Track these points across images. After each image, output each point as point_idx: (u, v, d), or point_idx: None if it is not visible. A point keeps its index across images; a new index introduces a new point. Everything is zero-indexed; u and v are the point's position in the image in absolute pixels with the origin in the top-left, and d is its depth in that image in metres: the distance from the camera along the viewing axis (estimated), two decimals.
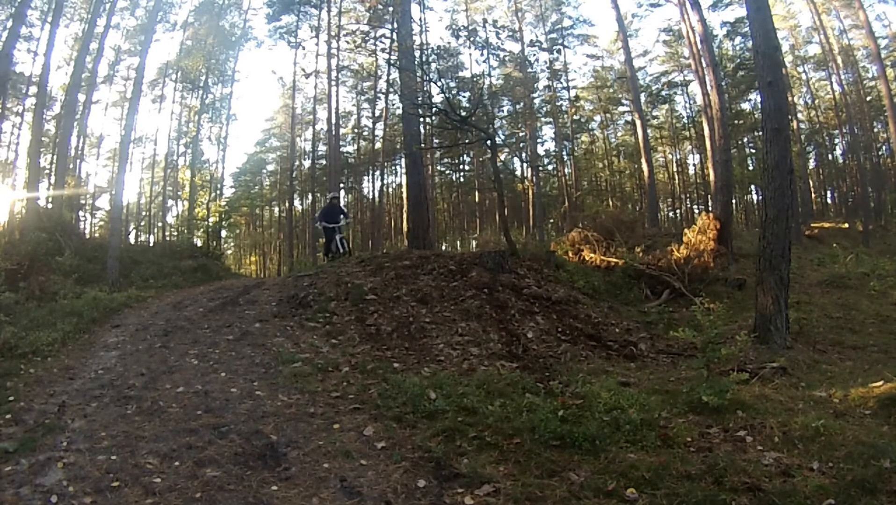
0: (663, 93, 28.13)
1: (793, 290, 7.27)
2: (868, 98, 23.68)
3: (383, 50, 20.68)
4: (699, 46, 15.56)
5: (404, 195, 15.71)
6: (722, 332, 4.90)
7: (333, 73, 22.93)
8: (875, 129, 24.56)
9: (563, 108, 28.16)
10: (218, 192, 23.49)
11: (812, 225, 20.06)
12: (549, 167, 29.65)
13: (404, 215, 14.57)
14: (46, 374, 4.83)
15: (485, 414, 3.71)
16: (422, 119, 12.92)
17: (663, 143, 30.19)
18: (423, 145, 14.75)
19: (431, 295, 7.01)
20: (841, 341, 6.43)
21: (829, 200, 28.79)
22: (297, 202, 29.36)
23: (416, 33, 19.53)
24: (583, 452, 3.17)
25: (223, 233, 23.68)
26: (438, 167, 30.28)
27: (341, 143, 26.77)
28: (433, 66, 15.24)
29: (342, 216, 11.69)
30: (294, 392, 4.29)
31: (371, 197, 28.67)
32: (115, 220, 13.31)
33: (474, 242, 23.47)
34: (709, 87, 14.93)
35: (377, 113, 26.70)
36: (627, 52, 22.15)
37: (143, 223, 25.51)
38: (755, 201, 27.25)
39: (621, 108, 29.21)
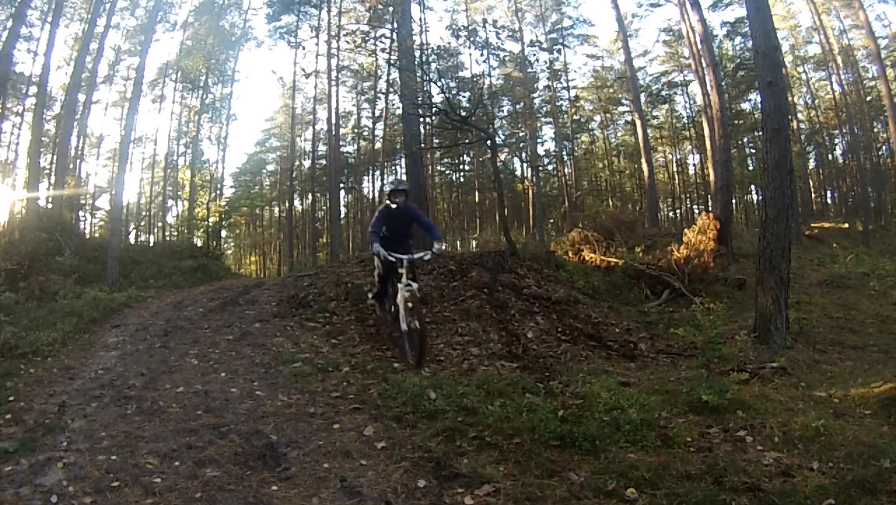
0: (663, 93, 28.13)
1: (793, 290, 7.27)
2: (868, 98, 23.68)
3: (383, 50, 20.70)
4: (699, 46, 15.57)
5: None
6: (722, 332, 4.90)
7: (333, 73, 22.93)
8: (875, 129, 24.56)
9: (563, 108, 28.15)
10: (218, 192, 23.51)
11: (812, 225, 20.07)
12: (549, 167, 29.65)
13: None
14: (46, 374, 4.83)
15: (485, 414, 3.71)
16: (422, 119, 12.92)
17: (663, 143, 30.18)
18: (423, 145, 14.75)
19: (431, 295, 7.01)
20: (841, 341, 6.43)
21: (829, 200, 28.79)
22: (297, 202, 29.37)
23: (416, 33, 19.55)
24: (583, 452, 3.17)
25: (223, 233, 23.71)
26: (438, 167, 30.27)
27: (341, 143, 26.76)
28: (433, 66, 15.24)
29: (434, 239, 5.55)
30: (294, 392, 4.29)
31: (371, 197, 28.66)
32: (115, 220, 13.33)
33: (474, 242, 23.47)
34: (709, 87, 14.93)
35: (377, 113, 26.71)
36: (627, 52, 22.17)
37: (143, 223, 25.51)
38: (755, 201, 27.24)
39: (621, 108, 29.20)
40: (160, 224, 25.09)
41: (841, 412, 3.73)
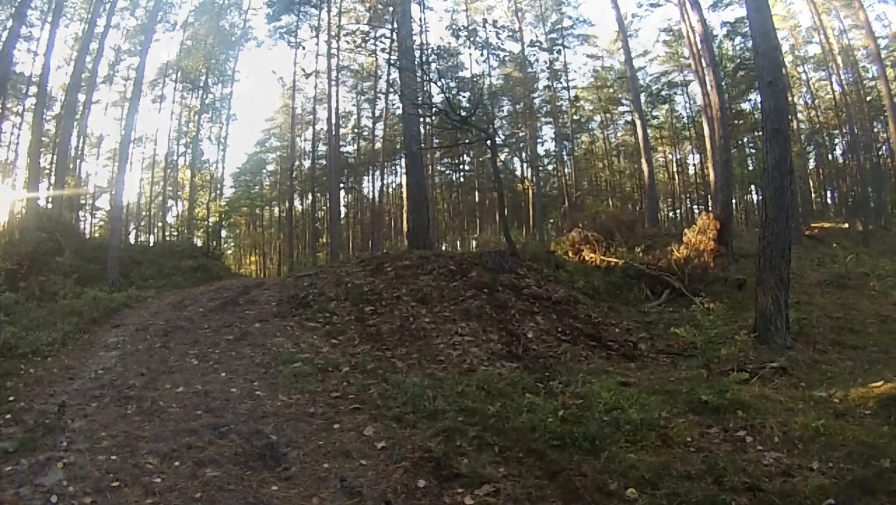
0: (663, 93, 28.12)
1: (793, 290, 7.27)
2: (868, 98, 23.67)
3: (383, 50, 20.71)
4: (699, 46, 15.55)
5: (404, 195, 15.70)
6: (722, 332, 4.91)
7: (333, 73, 22.91)
8: (875, 130, 24.55)
9: (563, 108, 28.15)
10: (218, 192, 23.54)
11: (812, 225, 20.05)
12: (549, 167, 29.67)
13: (404, 215, 14.56)
14: (46, 374, 4.83)
15: (485, 414, 3.71)
16: (422, 119, 12.92)
17: (663, 143, 30.17)
18: (423, 145, 14.75)
19: (431, 295, 7.01)
20: (841, 341, 6.42)
21: (829, 200, 28.79)
22: (297, 202, 29.37)
23: (416, 33, 19.55)
24: (583, 452, 3.17)
25: (223, 233, 23.75)
26: (438, 167, 30.26)
27: (341, 143, 26.76)
28: (433, 66, 15.24)
29: None
30: (294, 392, 4.29)
31: (371, 197, 28.67)
32: (115, 220, 13.32)
33: (474, 242, 23.46)
34: (709, 87, 14.92)
35: (377, 113, 26.70)
36: (627, 52, 22.14)
37: (143, 223, 25.51)
38: (755, 201, 27.23)
39: (621, 108, 29.20)
40: (160, 224, 25.08)
41: (841, 412, 3.72)
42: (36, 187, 14.44)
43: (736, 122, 23.48)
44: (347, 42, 22.67)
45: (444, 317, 6.46)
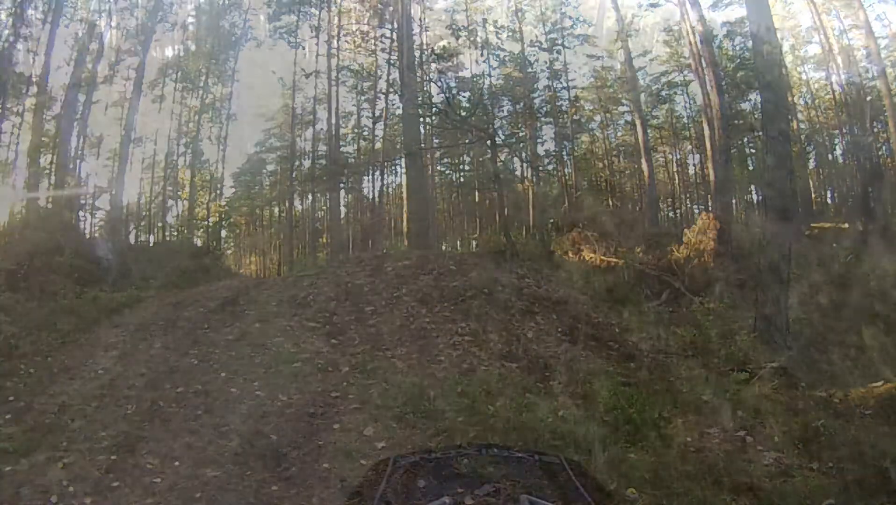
0: (663, 93, 28.10)
1: (793, 290, 7.26)
2: (868, 98, 23.64)
3: (383, 50, 20.69)
4: (699, 46, 15.57)
5: (404, 195, 15.68)
6: (722, 332, 4.90)
7: (333, 73, 22.88)
8: (875, 129, 24.51)
9: (563, 108, 28.13)
10: (218, 192, 23.46)
11: (812, 225, 20.02)
12: (550, 167, 29.63)
13: (404, 215, 14.54)
14: (46, 374, 4.83)
15: (485, 414, 3.71)
16: (422, 119, 12.91)
17: (663, 143, 30.14)
18: (423, 145, 14.74)
19: (431, 295, 7.01)
20: (841, 341, 6.41)
21: (829, 200, 28.75)
22: (297, 202, 29.34)
23: (416, 33, 19.54)
24: (583, 452, 3.17)
25: (223, 233, 23.69)
26: (438, 167, 30.24)
27: (341, 143, 26.73)
28: (433, 66, 15.25)
29: None
30: (294, 392, 4.29)
31: (371, 197, 28.62)
32: (115, 220, 13.31)
33: (474, 242, 23.43)
34: (709, 87, 14.94)
35: (377, 113, 26.63)
36: (627, 53, 22.09)
37: (143, 223, 25.46)
38: (755, 201, 27.21)
39: (621, 108, 29.16)
40: (160, 224, 25.01)
41: (841, 412, 3.73)
42: (36, 187, 14.43)
43: (736, 122, 23.44)
44: (347, 42, 22.66)
45: (444, 317, 6.46)
